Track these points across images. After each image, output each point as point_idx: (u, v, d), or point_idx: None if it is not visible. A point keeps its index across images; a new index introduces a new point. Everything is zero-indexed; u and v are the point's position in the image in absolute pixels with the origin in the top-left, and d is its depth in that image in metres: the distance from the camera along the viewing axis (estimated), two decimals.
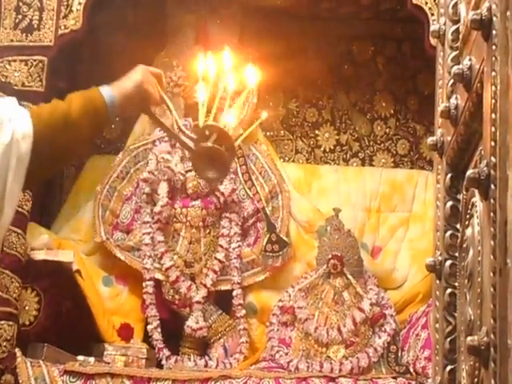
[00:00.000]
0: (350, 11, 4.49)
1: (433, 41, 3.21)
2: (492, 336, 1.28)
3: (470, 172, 1.41)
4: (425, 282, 3.98)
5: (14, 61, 3.73)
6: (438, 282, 1.80)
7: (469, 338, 1.31)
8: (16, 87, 3.61)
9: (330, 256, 3.86)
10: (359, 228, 4.23)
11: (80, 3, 3.69)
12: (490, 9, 1.45)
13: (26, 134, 1.70)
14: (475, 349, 1.31)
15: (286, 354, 3.79)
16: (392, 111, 4.62)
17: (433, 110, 4.50)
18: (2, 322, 3.40)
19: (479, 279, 1.45)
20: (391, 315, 3.81)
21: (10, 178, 1.67)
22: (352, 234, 3.98)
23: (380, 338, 3.73)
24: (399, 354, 3.73)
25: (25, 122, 1.71)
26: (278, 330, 3.90)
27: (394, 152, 4.59)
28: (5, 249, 3.41)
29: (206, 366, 3.86)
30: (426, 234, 4.14)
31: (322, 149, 4.63)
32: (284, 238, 4.09)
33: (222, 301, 4.09)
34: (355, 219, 4.24)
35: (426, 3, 3.48)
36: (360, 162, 4.59)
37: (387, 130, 4.61)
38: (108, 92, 1.83)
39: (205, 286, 3.97)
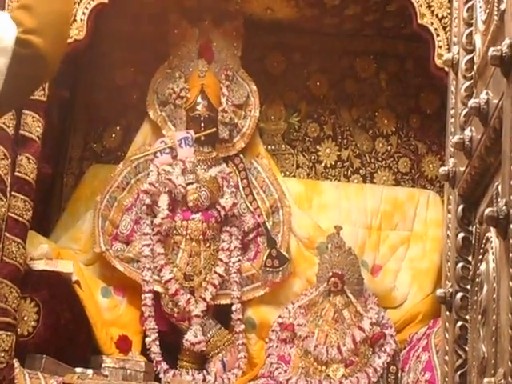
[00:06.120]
0: (354, 27, 4.48)
1: (439, 63, 3.22)
2: (510, 379, 1.27)
3: (488, 210, 1.41)
4: (425, 302, 3.98)
5: None
6: (448, 313, 1.80)
7: (485, 380, 1.31)
8: None
9: (330, 274, 3.84)
10: (359, 245, 4.21)
11: (84, 13, 3.67)
12: (510, 46, 1.45)
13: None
14: None
15: (285, 371, 3.76)
16: (394, 128, 4.60)
17: (435, 129, 4.51)
18: (1, 333, 3.36)
19: (494, 317, 1.44)
20: (391, 335, 3.78)
21: None
22: (353, 252, 3.95)
23: (380, 358, 3.70)
24: (399, 374, 3.71)
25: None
26: (277, 346, 3.87)
27: (396, 170, 4.57)
28: (4, 258, 3.38)
29: (204, 380, 3.84)
30: (426, 253, 4.13)
31: (323, 164, 4.61)
32: (284, 253, 4.08)
33: (220, 315, 4.07)
34: (355, 236, 4.22)
35: (432, 23, 3.48)
36: (361, 179, 4.56)
37: (389, 148, 4.60)
38: None
39: (204, 299, 3.95)
